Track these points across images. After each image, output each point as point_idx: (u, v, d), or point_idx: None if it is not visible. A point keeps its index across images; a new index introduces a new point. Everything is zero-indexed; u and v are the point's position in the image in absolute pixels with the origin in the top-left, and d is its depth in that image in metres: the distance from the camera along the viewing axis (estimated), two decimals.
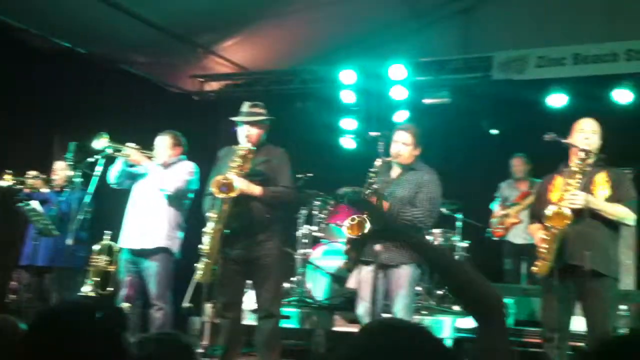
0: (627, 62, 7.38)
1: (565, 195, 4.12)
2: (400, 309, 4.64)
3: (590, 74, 7.50)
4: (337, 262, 6.66)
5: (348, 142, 8.81)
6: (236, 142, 4.86)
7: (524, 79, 7.86)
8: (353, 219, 4.54)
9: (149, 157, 5.41)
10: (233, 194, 4.50)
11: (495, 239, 7.34)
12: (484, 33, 8.57)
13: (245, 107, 4.89)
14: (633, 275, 7.06)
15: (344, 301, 6.43)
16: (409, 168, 4.80)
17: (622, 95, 7.57)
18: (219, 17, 7.61)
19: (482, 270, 6.44)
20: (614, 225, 4.24)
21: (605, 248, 4.17)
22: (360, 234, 4.47)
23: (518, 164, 7.33)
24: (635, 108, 7.51)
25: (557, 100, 7.83)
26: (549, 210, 4.12)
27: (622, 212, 4.16)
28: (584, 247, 4.03)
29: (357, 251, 4.68)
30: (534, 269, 4.30)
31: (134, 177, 5.50)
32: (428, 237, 5.06)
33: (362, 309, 4.73)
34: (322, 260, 6.74)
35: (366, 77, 8.45)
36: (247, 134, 4.76)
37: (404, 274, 4.65)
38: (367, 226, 4.47)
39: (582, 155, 4.18)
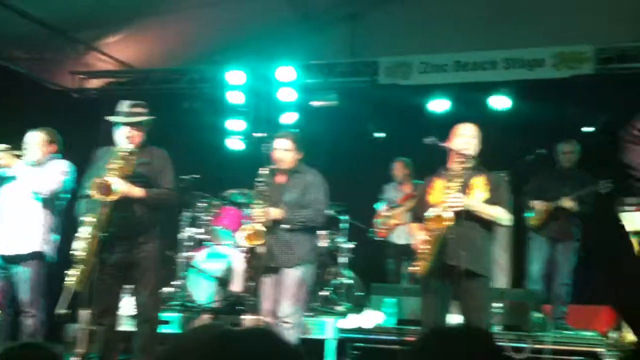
0: (505, 70, 7.72)
1: (446, 198, 4.23)
2: (288, 310, 4.76)
3: (470, 80, 7.79)
4: (221, 265, 6.58)
5: (236, 144, 8.72)
6: (114, 143, 4.68)
7: (408, 84, 8.06)
8: (246, 228, 4.76)
9: (18, 157, 5.10)
10: (113, 197, 4.32)
11: (378, 239, 7.48)
12: (371, 38, 8.73)
13: (125, 106, 4.69)
14: (507, 274, 7.40)
15: (228, 305, 6.36)
16: (293, 172, 4.97)
17: (499, 102, 7.91)
18: (102, 13, 7.32)
19: (366, 270, 6.59)
20: (489, 227, 4.40)
21: (481, 248, 4.32)
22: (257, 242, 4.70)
23: (398, 168, 7.50)
24: (512, 114, 7.86)
25: (439, 105, 8.10)
26: (430, 213, 4.22)
27: (499, 213, 4.33)
28: (460, 248, 4.16)
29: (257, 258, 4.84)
30: (413, 268, 4.42)
31: (1, 180, 5.19)
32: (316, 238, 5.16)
33: (263, 311, 4.88)
34: (206, 263, 6.62)
35: (255, 78, 8.42)
36: (128, 135, 4.60)
37: (296, 276, 4.80)
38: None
39: (461, 159, 4.31)
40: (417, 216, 4.52)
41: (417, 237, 4.41)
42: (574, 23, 7.63)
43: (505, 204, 4.39)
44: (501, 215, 4.33)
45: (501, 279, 7.27)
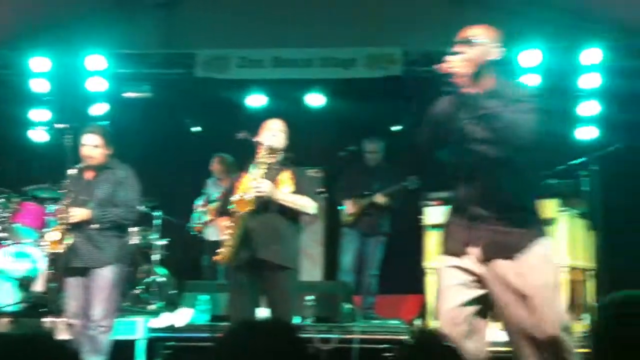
0: (321, 68, 7.87)
1: (251, 183, 4.24)
2: (102, 313, 4.54)
3: (287, 77, 7.86)
4: (22, 265, 6.13)
5: (39, 135, 8.11)
6: None
7: (225, 78, 7.98)
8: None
9: None
10: None
11: (195, 234, 7.34)
12: (188, 29, 8.50)
13: None
14: (320, 266, 7.58)
15: (29, 307, 5.94)
16: (103, 168, 4.75)
17: (315, 99, 8.07)
18: None
19: (181, 266, 6.43)
20: (295, 217, 4.46)
21: (288, 241, 4.38)
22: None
23: (215, 164, 7.39)
24: (327, 111, 8.05)
25: (256, 100, 8.09)
26: (235, 197, 4.25)
27: (303, 202, 4.41)
28: (268, 241, 4.23)
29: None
30: (216, 257, 4.40)
31: None
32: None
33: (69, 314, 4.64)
34: (4, 263, 6.11)
35: (61, 66, 7.90)
36: None
37: (107, 276, 4.58)
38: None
39: (268, 152, 4.36)
40: (223, 211, 4.50)
41: (222, 228, 4.41)
42: (387, 27, 7.95)
43: (311, 195, 4.48)
44: (305, 203, 4.41)
45: (315, 272, 7.43)
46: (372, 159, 6.92)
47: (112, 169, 4.73)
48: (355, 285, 6.64)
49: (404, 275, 6.34)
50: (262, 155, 4.40)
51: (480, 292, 2.95)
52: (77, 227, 4.54)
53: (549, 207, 5.14)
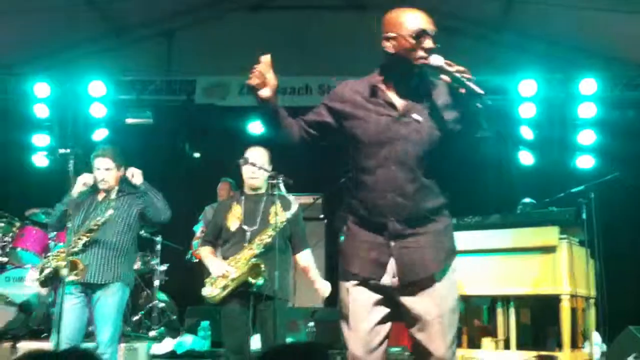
0: (320, 96, 7.95)
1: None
2: (107, 336, 4.31)
3: (286, 104, 7.89)
4: (24, 290, 6.09)
5: (40, 160, 8.14)
6: None
7: (226, 105, 8.05)
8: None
9: None
10: None
11: (196, 261, 7.31)
12: (189, 57, 8.60)
13: None
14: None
15: (30, 331, 5.91)
16: (118, 190, 4.60)
17: None
18: None
19: (182, 293, 6.31)
20: (288, 252, 4.42)
21: (283, 274, 4.26)
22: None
23: (223, 189, 7.34)
24: None
25: (256, 127, 8.15)
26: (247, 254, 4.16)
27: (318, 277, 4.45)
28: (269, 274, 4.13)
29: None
30: (209, 294, 4.19)
31: None
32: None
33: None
34: (5, 288, 6.09)
35: (62, 92, 7.99)
36: None
37: (114, 295, 4.36)
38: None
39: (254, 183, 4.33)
40: (209, 239, 4.42)
41: (212, 262, 4.25)
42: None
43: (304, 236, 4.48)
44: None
45: (316, 298, 7.43)
46: None
47: (118, 190, 4.56)
48: None
49: None
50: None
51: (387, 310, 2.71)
52: (88, 246, 4.35)
53: (549, 235, 5.19)
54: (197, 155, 8.50)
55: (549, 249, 5.19)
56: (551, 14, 7.18)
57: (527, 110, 7.42)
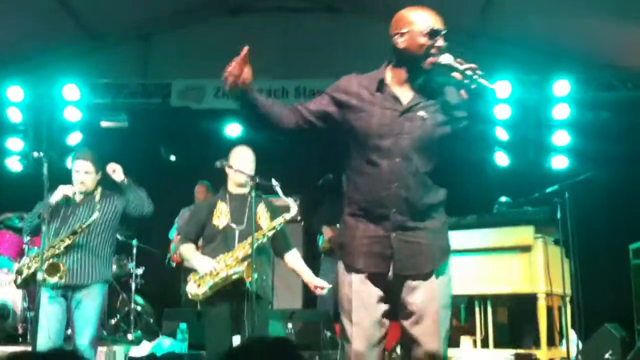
0: (296, 98, 7.94)
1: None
2: (88, 339, 4.25)
3: None
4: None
5: (13, 164, 8.03)
6: None
7: (201, 108, 8.02)
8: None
9: None
10: None
11: (174, 264, 7.27)
12: (164, 60, 8.57)
13: None
14: (300, 295, 7.56)
15: (6, 336, 5.84)
16: (101, 193, 4.55)
17: None
18: None
19: (159, 296, 6.26)
20: (270, 253, 4.43)
21: (267, 275, 4.31)
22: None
23: (200, 191, 7.32)
24: (303, 140, 8.08)
25: (232, 130, 8.14)
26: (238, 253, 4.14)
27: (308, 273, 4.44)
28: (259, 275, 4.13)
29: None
30: (194, 292, 4.18)
31: None
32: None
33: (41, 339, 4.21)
34: None
35: (36, 95, 7.90)
36: None
37: (96, 296, 4.33)
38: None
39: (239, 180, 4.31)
40: (191, 237, 4.38)
41: (197, 260, 4.21)
42: (366, 56, 8.06)
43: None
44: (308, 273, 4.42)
45: (295, 300, 7.43)
46: None
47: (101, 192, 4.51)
48: (334, 313, 6.64)
49: None
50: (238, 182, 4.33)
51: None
52: (70, 248, 4.28)
53: (524, 234, 5.25)
54: (173, 158, 8.45)
55: (524, 249, 5.27)
56: (527, 19, 7.26)
57: (501, 112, 7.49)
